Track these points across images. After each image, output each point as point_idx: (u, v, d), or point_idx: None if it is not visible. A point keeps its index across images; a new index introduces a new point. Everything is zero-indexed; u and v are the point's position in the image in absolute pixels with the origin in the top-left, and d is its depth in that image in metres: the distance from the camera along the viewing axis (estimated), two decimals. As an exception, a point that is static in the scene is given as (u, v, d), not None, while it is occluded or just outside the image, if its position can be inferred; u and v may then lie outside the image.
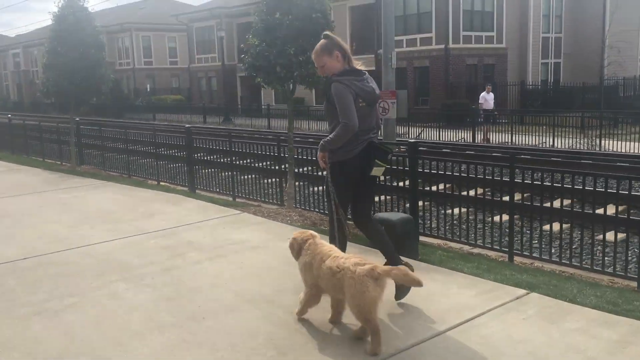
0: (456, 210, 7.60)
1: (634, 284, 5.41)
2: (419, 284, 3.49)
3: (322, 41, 4.42)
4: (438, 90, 29.67)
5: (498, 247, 6.83)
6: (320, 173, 8.57)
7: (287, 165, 9.21)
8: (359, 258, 3.58)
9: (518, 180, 6.69)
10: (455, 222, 7.45)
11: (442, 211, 7.56)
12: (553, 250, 6.78)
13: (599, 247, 6.94)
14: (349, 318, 3.71)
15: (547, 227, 7.58)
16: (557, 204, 6.38)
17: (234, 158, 10.53)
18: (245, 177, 10.11)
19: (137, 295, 4.55)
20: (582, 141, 17.45)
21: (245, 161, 10.90)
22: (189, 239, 6.06)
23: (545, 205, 7.22)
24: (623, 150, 16.30)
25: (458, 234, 7.13)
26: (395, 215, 5.84)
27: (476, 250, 7.25)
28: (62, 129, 15.53)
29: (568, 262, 6.24)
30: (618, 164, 13.38)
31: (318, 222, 7.50)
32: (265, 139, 16.99)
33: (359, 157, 4.30)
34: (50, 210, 7.68)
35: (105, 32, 41.73)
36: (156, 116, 37.47)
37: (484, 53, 31.10)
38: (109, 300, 4.47)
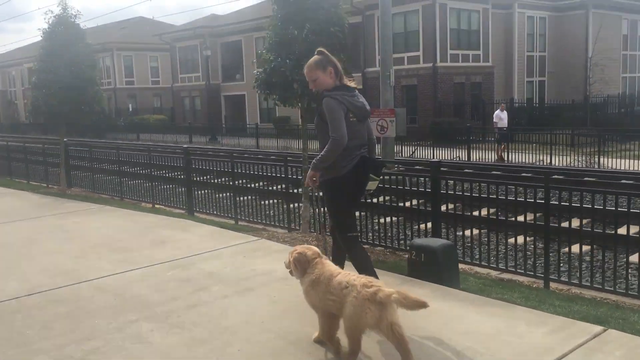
0: (473, 231, 7.21)
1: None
2: (423, 305, 3.31)
3: (316, 57, 4.52)
4: (426, 109, 29.53)
5: (532, 273, 6.44)
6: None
7: (299, 188, 8.79)
8: (368, 280, 3.42)
9: (554, 202, 6.34)
10: (476, 244, 7.05)
11: (465, 234, 7.16)
12: (579, 273, 6.44)
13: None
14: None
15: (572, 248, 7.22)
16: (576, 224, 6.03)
17: (236, 179, 10.09)
18: (246, 198, 9.66)
19: (166, 338, 4.04)
20: (580, 159, 17.28)
21: (248, 182, 10.45)
22: (209, 269, 5.57)
23: (574, 227, 6.85)
24: (624, 168, 16.13)
25: (486, 258, 6.74)
26: (435, 242, 5.42)
27: (505, 276, 6.87)
28: (49, 150, 14.93)
29: (612, 289, 5.89)
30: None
31: (338, 247, 7.04)
32: (270, 160, 16.53)
33: (354, 172, 4.34)
34: (50, 239, 7.11)
35: (87, 52, 40.98)
36: (140, 136, 36.78)
37: (471, 71, 31.12)
38: (134, 344, 3.96)
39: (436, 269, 5.17)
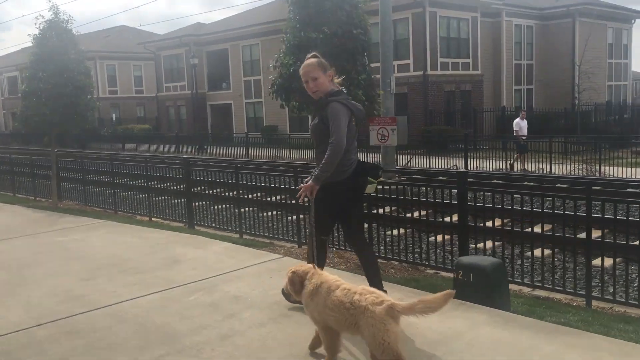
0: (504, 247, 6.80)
1: None
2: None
3: (314, 59, 4.47)
4: (417, 117, 29.25)
5: (572, 290, 6.04)
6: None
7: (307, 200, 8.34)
8: (373, 295, 3.31)
9: (596, 214, 5.96)
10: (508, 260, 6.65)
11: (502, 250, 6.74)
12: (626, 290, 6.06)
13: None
14: None
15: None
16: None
17: (241, 191, 9.60)
18: (251, 211, 9.20)
19: (205, 376, 3.56)
20: (580, 167, 17.06)
21: (254, 194, 9.97)
22: (235, 292, 5.08)
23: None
24: (627, 176, 15.91)
25: (519, 274, 6.34)
26: (484, 260, 5.00)
27: (539, 293, 6.46)
28: (37, 161, 14.31)
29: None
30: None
31: (363, 264, 6.59)
32: (278, 170, 15.98)
33: (353, 177, 4.34)
34: (52, 258, 6.54)
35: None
36: (125, 146, 35.99)
37: (461, 79, 30.98)
38: (169, 385, 3.47)
39: (487, 289, 4.75)
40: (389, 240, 7.85)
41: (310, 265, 3.73)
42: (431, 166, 20.34)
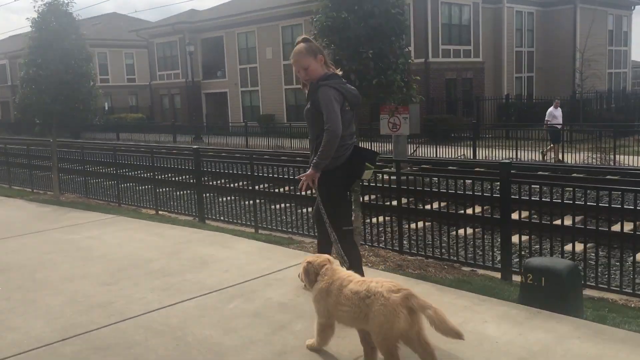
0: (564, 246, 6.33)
1: None
2: (458, 335, 3.02)
3: (303, 44, 4.26)
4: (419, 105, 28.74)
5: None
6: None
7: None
8: (391, 283, 3.18)
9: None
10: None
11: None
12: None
13: None
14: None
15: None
16: None
17: (256, 183, 9.10)
18: (268, 204, 8.72)
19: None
20: (594, 156, 16.64)
21: (271, 187, 9.48)
22: (279, 299, 4.57)
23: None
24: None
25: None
26: (559, 262, 4.52)
27: (608, 296, 5.93)
28: (34, 151, 13.69)
29: None
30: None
31: (404, 264, 6.12)
32: (297, 161, 15.43)
33: (349, 163, 4.21)
34: (65, 259, 5.98)
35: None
36: (120, 135, 35.25)
37: (462, 67, 30.48)
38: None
39: (561, 296, 4.27)
40: (417, 236, 7.43)
41: (327, 257, 3.59)
42: (438, 156, 19.87)
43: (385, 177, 7.36)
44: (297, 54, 4.23)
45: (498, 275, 6.28)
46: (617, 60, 38.23)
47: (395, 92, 6.23)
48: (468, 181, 6.92)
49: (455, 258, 6.71)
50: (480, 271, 6.70)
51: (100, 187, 11.77)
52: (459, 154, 19.61)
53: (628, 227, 6.52)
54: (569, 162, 16.94)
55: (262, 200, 8.80)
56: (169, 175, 10.74)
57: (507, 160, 7.22)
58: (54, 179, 11.50)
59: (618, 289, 5.62)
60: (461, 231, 7.16)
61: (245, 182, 9.39)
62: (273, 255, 5.85)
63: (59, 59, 10.57)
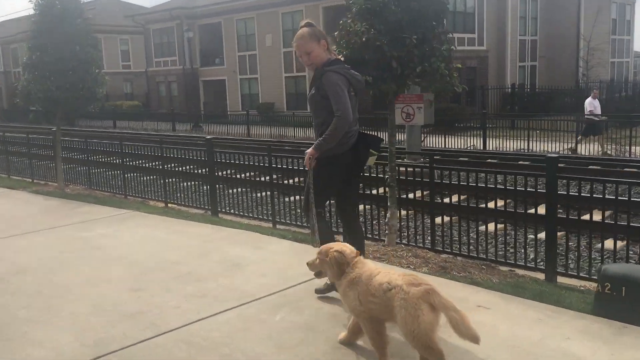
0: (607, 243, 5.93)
1: None
2: (474, 339, 2.88)
3: (306, 29, 4.21)
4: (423, 95, 28.29)
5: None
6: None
7: (379, 187, 7.45)
8: (412, 276, 3.09)
9: None
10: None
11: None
12: None
13: None
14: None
15: None
16: None
17: (275, 175, 8.68)
18: (287, 198, 8.30)
19: None
20: (611, 147, 16.28)
21: (290, 180, 9.03)
22: (329, 309, 4.14)
23: None
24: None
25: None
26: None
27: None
28: (35, 140, 13.16)
29: None
30: None
31: (447, 265, 5.71)
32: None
33: (354, 149, 4.19)
34: (83, 260, 5.52)
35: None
36: (117, 123, 34.61)
37: (467, 55, 29.99)
38: None
39: (645, 303, 3.87)
40: (451, 233, 7.04)
41: (355, 250, 3.48)
42: (446, 146, 19.45)
43: (418, 170, 6.95)
44: (300, 39, 4.21)
45: (540, 276, 5.93)
46: (620, 49, 37.89)
47: (439, 80, 5.78)
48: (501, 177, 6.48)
49: (493, 257, 6.33)
50: (520, 271, 6.33)
51: (105, 177, 11.30)
52: (469, 145, 19.20)
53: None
54: (583, 153, 16.57)
55: (277, 193, 8.38)
56: (180, 166, 10.28)
57: (554, 154, 6.79)
58: (58, 169, 11.00)
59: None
60: (491, 227, 6.77)
61: (261, 175, 8.96)
62: (309, 257, 5.40)
63: (64, 44, 10.04)
